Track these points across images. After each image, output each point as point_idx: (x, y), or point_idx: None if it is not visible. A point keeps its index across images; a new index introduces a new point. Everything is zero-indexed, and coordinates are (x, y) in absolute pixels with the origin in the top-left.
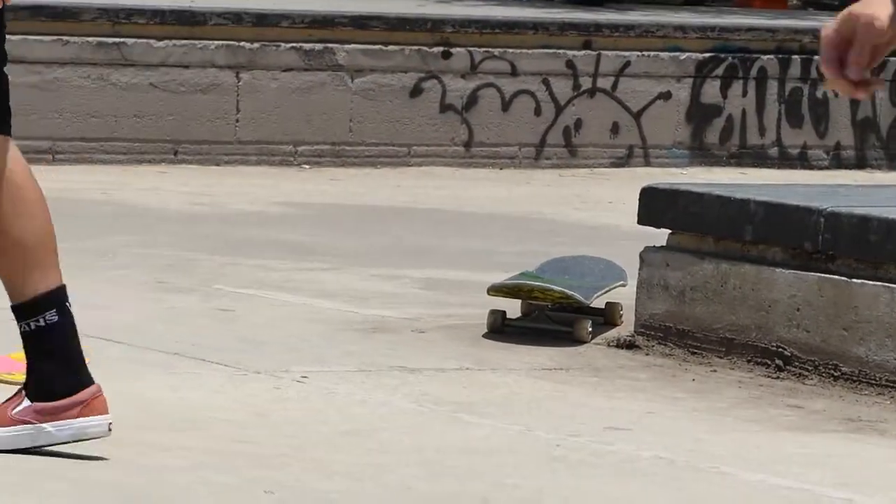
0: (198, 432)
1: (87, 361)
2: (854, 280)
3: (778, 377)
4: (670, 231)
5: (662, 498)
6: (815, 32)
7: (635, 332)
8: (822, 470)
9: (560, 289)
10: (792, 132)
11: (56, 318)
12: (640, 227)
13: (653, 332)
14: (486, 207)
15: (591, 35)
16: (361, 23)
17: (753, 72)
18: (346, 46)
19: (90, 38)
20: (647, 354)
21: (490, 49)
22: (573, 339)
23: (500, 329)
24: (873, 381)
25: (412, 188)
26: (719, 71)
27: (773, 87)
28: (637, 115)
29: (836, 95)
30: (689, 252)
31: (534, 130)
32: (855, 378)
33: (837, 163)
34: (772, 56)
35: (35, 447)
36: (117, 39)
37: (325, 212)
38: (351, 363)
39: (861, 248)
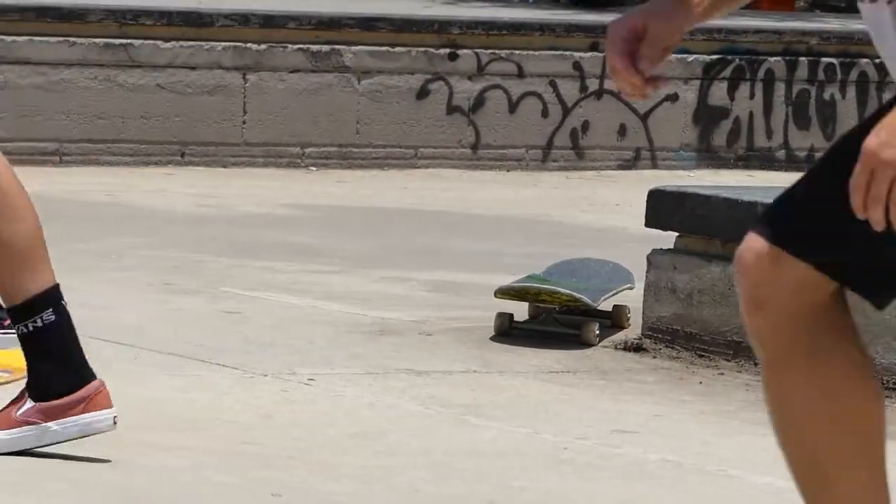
0: (203, 434)
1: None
2: None
3: None
4: (678, 234)
5: (669, 501)
6: (822, 34)
7: (643, 334)
8: None
9: (567, 291)
10: (799, 134)
11: (53, 317)
12: (648, 229)
13: (660, 335)
14: (493, 210)
15: (598, 36)
16: (368, 24)
17: (761, 74)
18: (353, 48)
19: (97, 40)
20: (654, 357)
21: (497, 51)
22: (580, 342)
23: (507, 332)
24: (881, 385)
25: (419, 190)
26: (726, 73)
27: (780, 89)
28: (644, 117)
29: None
30: (697, 255)
31: (541, 132)
32: None
33: None
34: (779, 58)
35: (41, 446)
36: (124, 41)
37: (332, 214)
38: (358, 365)
39: None
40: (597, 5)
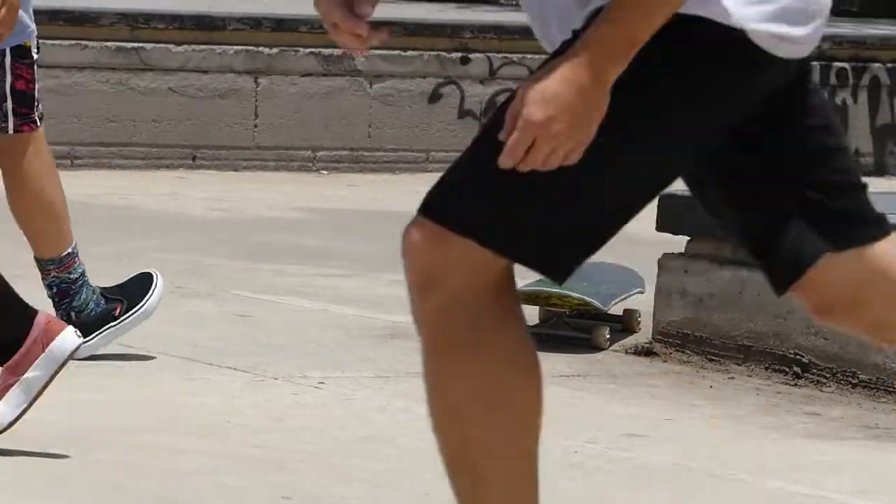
0: (214, 437)
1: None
2: None
3: (796, 384)
4: (689, 238)
5: None
6: (834, 39)
7: (653, 338)
8: (839, 477)
9: (578, 295)
10: None
11: None
12: (659, 233)
13: (671, 339)
14: None
15: None
16: (380, 28)
17: None
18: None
19: (109, 43)
20: (664, 361)
21: (509, 55)
22: (591, 346)
23: None
24: (891, 389)
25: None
26: None
27: None
28: None
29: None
30: (708, 259)
31: None
32: (873, 385)
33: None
34: None
35: (34, 397)
36: (136, 44)
37: (344, 217)
38: (369, 369)
39: None
40: None
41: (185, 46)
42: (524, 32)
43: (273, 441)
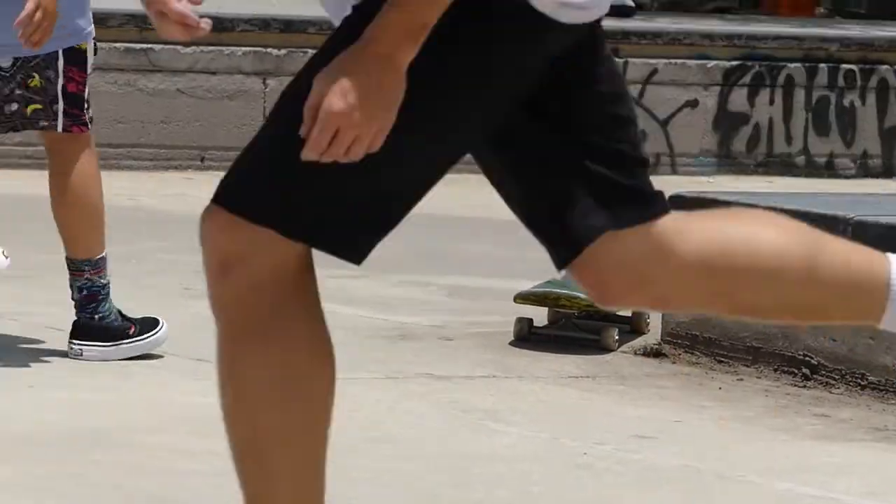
0: (217, 437)
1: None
2: None
3: (805, 386)
4: None
5: None
6: (842, 41)
7: (662, 340)
8: (848, 479)
9: (587, 297)
10: (819, 141)
11: None
12: None
13: (679, 341)
14: (512, 214)
15: (619, 42)
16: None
17: (780, 80)
18: None
19: (117, 44)
20: (673, 363)
21: None
22: (600, 348)
23: (526, 337)
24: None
25: (437, 195)
26: (746, 79)
27: (800, 96)
28: (664, 123)
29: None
30: None
31: None
32: (882, 387)
33: (864, 171)
34: (799, 64)
35: None
36: (145, 45)
37: None
38: (378, 370)
39: None
40: (619, 16)
41: (193, 48)
42: None
43: None
